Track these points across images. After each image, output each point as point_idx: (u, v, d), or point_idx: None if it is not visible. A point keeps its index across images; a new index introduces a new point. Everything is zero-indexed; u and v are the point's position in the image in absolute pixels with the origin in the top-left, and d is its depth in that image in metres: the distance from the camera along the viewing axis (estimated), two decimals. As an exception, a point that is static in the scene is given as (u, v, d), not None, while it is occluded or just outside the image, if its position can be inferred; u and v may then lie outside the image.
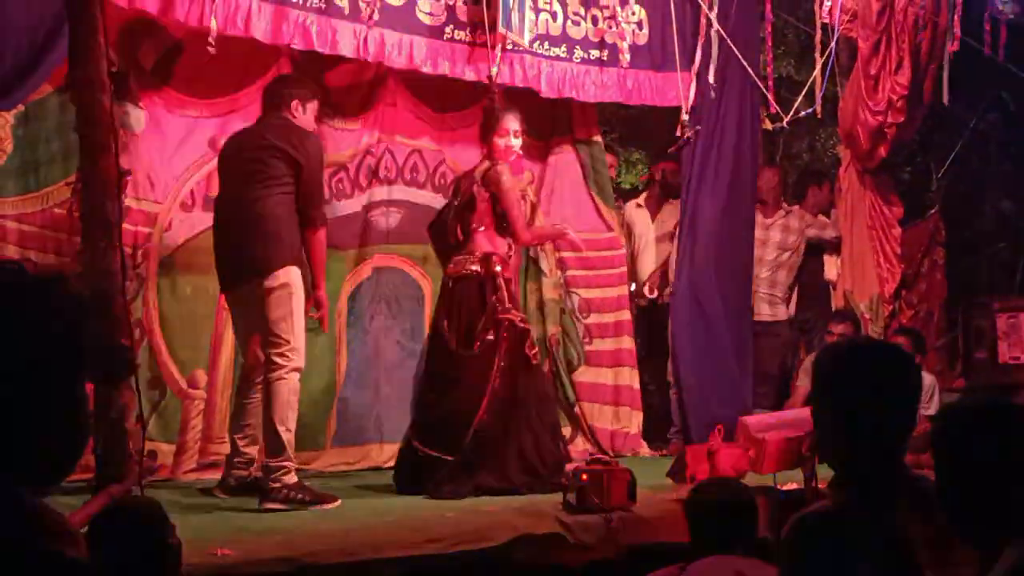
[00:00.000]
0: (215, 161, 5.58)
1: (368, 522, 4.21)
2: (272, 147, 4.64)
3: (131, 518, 2.67)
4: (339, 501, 4.58)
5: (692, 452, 4.84)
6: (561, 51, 5.94)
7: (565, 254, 6.71)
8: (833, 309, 7.23)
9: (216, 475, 5.34)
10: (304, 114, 4.82)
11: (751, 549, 3.20)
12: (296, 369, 4.57)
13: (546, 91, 5.95)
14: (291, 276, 4.59)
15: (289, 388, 4.54)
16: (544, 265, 6.68)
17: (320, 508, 4.47)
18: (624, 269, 6.78)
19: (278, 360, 4.52)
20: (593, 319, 6.71)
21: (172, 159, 5.50)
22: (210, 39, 4.71)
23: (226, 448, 5.46)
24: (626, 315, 6.72)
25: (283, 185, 4.62)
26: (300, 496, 4.48)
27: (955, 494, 1.84)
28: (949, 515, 1.86)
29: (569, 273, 6.72)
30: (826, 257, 7.30)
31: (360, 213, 6.06)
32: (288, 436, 4.52)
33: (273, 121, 4.76)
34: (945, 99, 6.60)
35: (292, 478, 4.51)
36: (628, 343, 6.70)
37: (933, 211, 7.68)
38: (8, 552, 1.22)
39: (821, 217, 7.33)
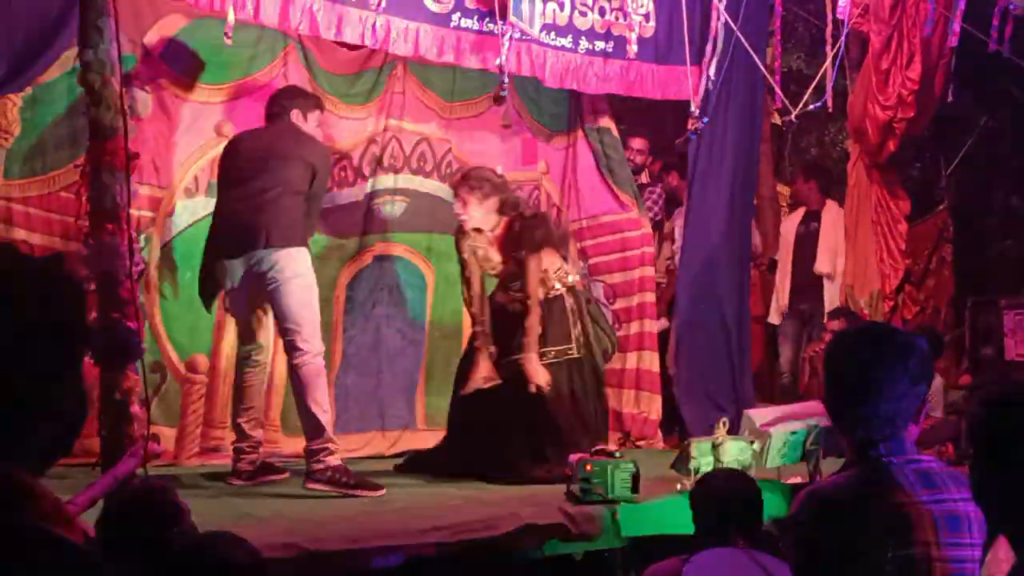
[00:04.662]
0: (220, 147, 5.58)
1: (372, 509, 4.20)
2: (286, 154, 4.69)
3: (142, 504, 2.66)
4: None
5: (696, 444, 4.83)
6: (566, 41, 5.93)
7: (587, 243, 6.71)
8: (825, 301, 7.21)
9: (219, 460, 5.35)
10: (306, 123, 4.88)
11: (755, 541, 3.20)
12: (319, 353, 4.62)
13: (550, 81, 5.95)
14: (301, 265, 4.62)
15: (317, 370, 4.58)
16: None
17: (363, 495, 4.44)
18: (647, 249, 6.72)
19: (301, 346, 4.55)
20: (620, 304, 6.71)
21: (177, 144, 5.49)
22: (226, 30, 4.71)
23: (228, 434, 5.46)
24: (649, 297, 6.69)
25: (296, 191, 4.67)
26: (345, 479, 4.47)
27: (992, 486, 1.80)
28: (984, 508, 1.82)
29: (591, 261, 6.72)
30: (819, 251, 7.27)
31: (362, 202, 6.05)
32: (325, 417, 4.56)
33: (282, 128, 4.82)
34: (950, 96, 6.57)
35: (335, 459, 4.51)
36: (650, 325, 6.68)
37: (942, 207, 7.66)
38: (3, 533, 1.21)
39: None
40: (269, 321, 4.83)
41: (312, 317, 4.63)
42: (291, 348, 4.58)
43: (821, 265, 7.25)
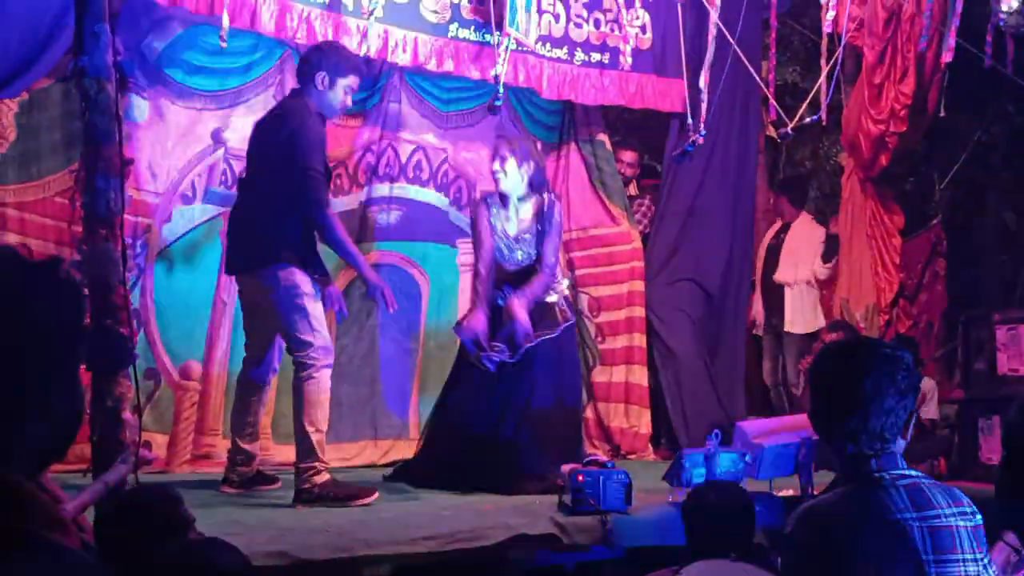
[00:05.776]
0: (218, 153, 5.59)
1: (362, 518, 4.19)
2: (290, 153, 4.42)
3: (136, 511, 2.64)
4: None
5: (688, 456, 4.83)
6: (562, 53, 5.96)
7: (574, 254, 6.72)
8: (786, 310, 7.20)
9: (210, 467, 5.34)
10: (330, 89, 4.51)
11: (747, 553, 3.19)
12: (325, 366, 4.47)
13: (547, 92, 5.98)
14: (294, 277, 4.45)
15: (319, 388, 4.45)
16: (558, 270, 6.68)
17: (356, 504, 4.42)
18: (636, 264, 6.70)
19: (304, 361, 4.44)
20: (603, 317, 6.70)
21: (174, 150, 5.49)
22: (221, 34, 4.70)
23: (220, 441, 5.45)
24: (638, 311, 6.66)
25: (289, 182, 4.45)
26: (333, 494, 4.42)
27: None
28: (1009, 513, 1.81)
29: (578, 272, 6.72)
30: (781, 260, 7.28)
31: (357, 210, 6.05)
32: (318, 437, 4.46)
33: (294, 110, 4.52)
34: (942, 111, 6.61)
35: (323, 477, 4.46)
36: (639, 340, 6.65)
37: (935, 222, 7.68)
38: (0, 538, 1.20)
39: None
40: (279, 341, 4.69)
41: (322, 331, 4.50)
42: (300, 367, 4.46)
43: (780, 274, 7.26)
